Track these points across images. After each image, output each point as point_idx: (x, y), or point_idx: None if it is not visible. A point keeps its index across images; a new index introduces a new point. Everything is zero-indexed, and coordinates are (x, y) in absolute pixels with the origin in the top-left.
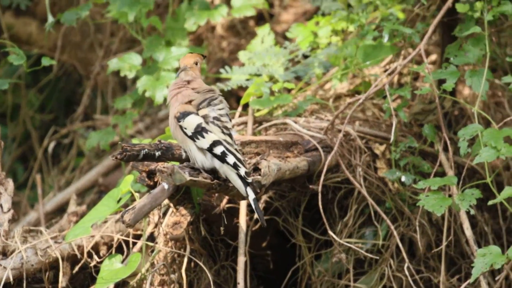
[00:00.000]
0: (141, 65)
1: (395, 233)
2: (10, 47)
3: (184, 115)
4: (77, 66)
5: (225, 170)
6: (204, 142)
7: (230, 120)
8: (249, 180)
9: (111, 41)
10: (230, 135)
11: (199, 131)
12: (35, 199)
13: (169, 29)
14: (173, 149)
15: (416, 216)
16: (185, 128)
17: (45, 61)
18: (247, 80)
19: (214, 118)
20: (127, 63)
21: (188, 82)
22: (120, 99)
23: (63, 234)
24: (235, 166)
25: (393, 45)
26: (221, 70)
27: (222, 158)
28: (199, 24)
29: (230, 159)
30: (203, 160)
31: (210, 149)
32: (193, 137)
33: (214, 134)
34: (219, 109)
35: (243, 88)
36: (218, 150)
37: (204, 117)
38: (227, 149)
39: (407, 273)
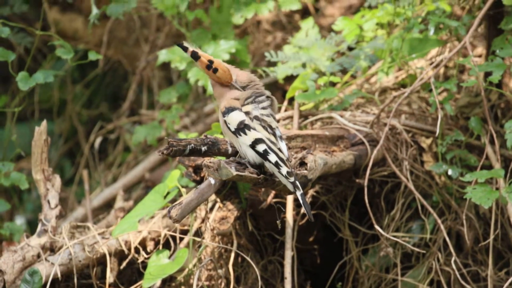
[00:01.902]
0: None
1: (442, 226)
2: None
3: (229, 110)
4: (122, 62)
5: (270, 166)
6: (247, 139)
7: (275, 119)
8: (291, 179)
9: (156, 36)
10: (274, 134)
11: (241, 128)
12: (82, 195)
13: (215, 23)
14: (219, 144)
15: (463, 209)
16: (229, 124)
17: (92, 56)
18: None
19: (256, 117)
20: (177, 55)
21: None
22: (164, 92)
23: (110, 229)
24: (276, 165)
25: (439, 38)
26: (266, 54)
27: (264, 156)
28: (246, 17)
29: (272, 157)
30: (253, 155)
31: (252, 146)
32: (235, 133)
33: (257, 131)
34: (263, 108)
35: (288, 82)
36: (261, 148)
37: (247, 113)
38: (269, 147)
39: (454, 267)
